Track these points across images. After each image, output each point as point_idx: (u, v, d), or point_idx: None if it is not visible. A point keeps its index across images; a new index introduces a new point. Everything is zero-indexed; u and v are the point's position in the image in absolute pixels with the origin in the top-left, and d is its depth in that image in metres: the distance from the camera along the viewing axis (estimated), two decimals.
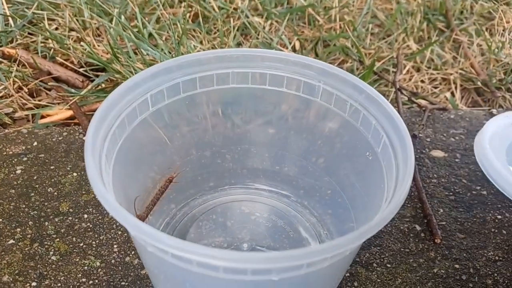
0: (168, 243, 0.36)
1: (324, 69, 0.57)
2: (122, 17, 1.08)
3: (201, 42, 1.10)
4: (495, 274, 0.62)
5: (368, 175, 0.56)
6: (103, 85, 0.97)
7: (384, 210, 0.42)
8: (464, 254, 0.64)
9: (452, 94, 1.07)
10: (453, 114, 0.91)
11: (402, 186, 0.43)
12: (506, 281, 0.60)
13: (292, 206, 0.67)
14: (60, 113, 0.91)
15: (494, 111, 0.94)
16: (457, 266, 0.62)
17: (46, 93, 0.98)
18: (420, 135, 0.84)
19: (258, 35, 1.13)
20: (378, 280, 0.60)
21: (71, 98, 0.91)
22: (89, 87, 0.94)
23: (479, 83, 1.07)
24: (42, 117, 0.91)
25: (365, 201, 0.56)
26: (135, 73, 0.64)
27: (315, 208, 0.66)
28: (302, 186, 0.67)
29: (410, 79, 1.09)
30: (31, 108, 0.93)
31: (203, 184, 0.69)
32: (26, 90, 0.96)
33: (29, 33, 1.10)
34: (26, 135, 0.82)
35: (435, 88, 1.08)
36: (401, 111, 0.88)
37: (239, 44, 1.12)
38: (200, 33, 1.11)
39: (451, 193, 0.73)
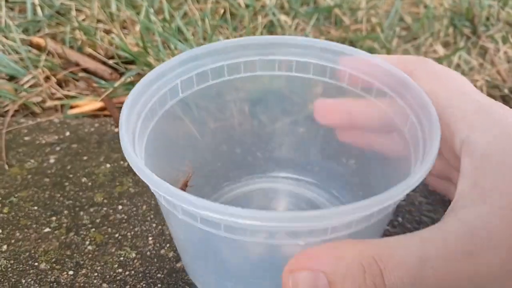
0: (197, 204, 0.37)
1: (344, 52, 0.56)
2: (151, 9, 1.08)
3: (227, 37, 1.11)
4: None
5: (395, 160, 0.55)
6: (131, 78, 0.97)
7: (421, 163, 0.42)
8: None
9: None
10: None
11: (433, 144, 0.43)
12: None
13: (321, 195, 0.67)
14: (90, 104, 0.92)
15: None
16: None
17: (75, 84, 0.99)
18: None
19: (285, 33, 1.13)
20: None
21: (102, 90, 0.91)
22: (122, 79, 0.94)
23: (505, 90, 1.06)
24: (71, 107, 0.92)
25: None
26: None
27: (343, 196, 0.66)
28: (329, 174, 0.67)
29: None
30: (59, 99, 0.94)
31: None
32: (55, 80, 0.96)
33: (56, 23, 1.10)
34: (58, 125, 0.82)
35: None
36: None
37: None
38: (227, 29, 1.12)
39: None
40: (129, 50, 0.98)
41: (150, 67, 0.95)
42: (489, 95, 1.08)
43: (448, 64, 1.12)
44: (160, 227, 0.65)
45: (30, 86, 0.95)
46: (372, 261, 0.37)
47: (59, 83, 0.98)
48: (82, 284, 0.58)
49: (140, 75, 0.97)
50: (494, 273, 0.39)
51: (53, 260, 0.60)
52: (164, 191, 0.39)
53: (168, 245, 0.63)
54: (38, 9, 1.10)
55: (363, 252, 0.38)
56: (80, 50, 1.04)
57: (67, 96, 0.94)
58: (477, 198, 0.41)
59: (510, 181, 0.40)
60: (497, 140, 0.43)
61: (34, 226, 0.64)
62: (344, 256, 0.38)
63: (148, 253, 0.62)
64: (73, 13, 1.10)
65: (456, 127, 0.46)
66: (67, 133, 0.80)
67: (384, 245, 0.39)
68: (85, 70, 0.99)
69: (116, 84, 0.93)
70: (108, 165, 0.74)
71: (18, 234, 0.63)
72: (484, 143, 0.43)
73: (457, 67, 1.13)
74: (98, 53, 1.02)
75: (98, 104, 0.91)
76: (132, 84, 0.96)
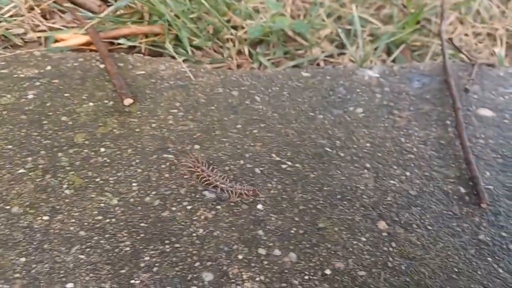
0: None
1: None
2: None
3: None
4: None
5: None
6: (122, 11, 0.89)
7: None
8: None
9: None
10: (502, 72, 0.83)
11: None
12: None
13: None
14: (75, 37, 0.83)
15: None
16: (504, 234, 0.57)
17: (60, 16, 0.90)
18: (468, 90, 0.77)
19: None
20: (418, 243, 0.55)
21: (88, 22, 0.83)
22: (108, 11, 0.86)
23: None
24: (56, 41, 0.84)
25: None
26: None
27: None
28: None
29: (453, 32, 1.00)
30: (43, 31, 0.86)
31: None
32: (39, 11, 0.88)
33: None
34: (39, 58, 0.75)
35: (480, 43, 0.99)
36: (447, 63, 0.80)
37: None
38: None
39: (499, 156, 0.67)
40: None
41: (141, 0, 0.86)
42: (509, 46, 1.00)
43: (467, 11, 1.03)
44: (146, 173, 0.60)
45: (11, 16, 0.86)
46: None
47: (44, 15, 0.89)
48: (57, 231, 0.52)
49: (130, 7, 0.88)
50: None
51: (27, 204, 0.55)
52: None
53: (154, 192, 0.57)
54: None
55: None
56: None
57: (51, 29, 0.86)
58: None
59: None
60: None
61: (8, 166, 0.59)
62: None
63: (132, 200, 0.57)
64: None
65: None
66: (48, 67, 0.73)
67: None
68: (72, 1, 0.91)
69: (102, 15, 0.85)
70: (91, 104, 0.68)
71: None
72: None
73: (477, 14, 1.04)
74: None
75: (84, 38, 0.83)
76: (121, 17, 0.88)
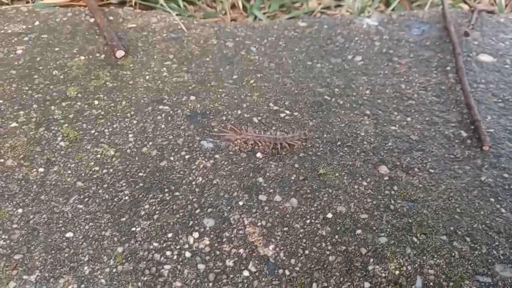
0: None
1: None
2: None
3: None
4: None
5: None
6: None
7: None
8: None
9: None
10: (503, 18, 0.81)
11: None
12: None
13: None
14: None
15: None
16: (505, 175, 0.57)
17: None
18: (468, 36, 0.75)
19: None
20: (420, 186, 0.55)
21: None
22: None
23: None
24: None
25: None
26: None
27: None
28: None
29: None
30: None
31: None
32: None
33: None
34: (27, 14, 0.72)
35: None
36: (446, 10, 0.78)
37: None
38: None
39: (500, 100, 0.66)
40: None
41: None
42: None
43: None
44: (141, 124, 0.58)
45: None
46: None
47: None
48: (54, 182, 0.51)
49: None
50: None
51: (21, 156, 0.54)
52: None
53: (150, 143, 0.56)
54: None
55: None
56: None
57: None
58: None
59: None
60: None
61: (0, 120, 0.57)
62: None
63: (129, 150, 0.55)
64: None
65: None
66: (36, 23, 0.71)
67: None
68: None
69: None
70: (82, 58, 0.66)
71: None
72: None
73: None
74: None
75: None
76: None
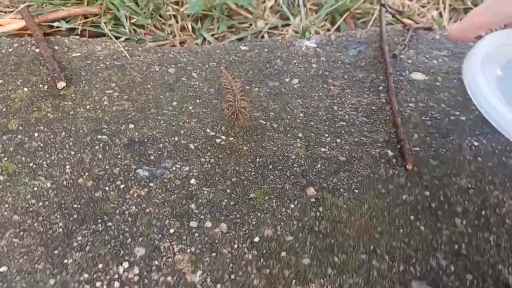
0: None
1: None
2: None
3: None
4: (466, 202, 0.60)
5: None
6: None
7: None
8: (436, 182, 0.62)
9: (440, 14, 1.00)
10: (438, 35, 0.85)
11: None
12: (476, 209, 0.59)
13: None
14: (12, 22, 0.83)
15: (482, 33, 0.88)
16: (427, 193, 0.60)
17: None
18: (401, 56, 0.78)
19: None
20: (344, 206, 0.58)
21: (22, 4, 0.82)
22: None
23: (469, 2, 1.00)
24: None
25: None
26: None
27: None
28: None
29: None
30: None
31: None
32: None
33: None
34: None
35: (423, 7, 1.01)
36: (383, 29, 0.81)
37: None
38: None
39: (428, 118, 0.69)
40: None
41: None
42: (452, 8, 1.01)
43: None
44: (79, 155, 0.61)
45: None
46: None
47: None
48: None
49: None
50: None
51: None
52: None
53: (87, 173, 0.59)
54: None
55: None
56: None
57: None
58: None
59: None
60: None
61: None
62: None
63: (65, 182, 0.58)
64: None
65: None
66: None
67: None
68: None
69: None
70: (25, 89, 0.68)
71: None
72: None
73: None
74: None
75: (21, 23, 0.82)
76: None
